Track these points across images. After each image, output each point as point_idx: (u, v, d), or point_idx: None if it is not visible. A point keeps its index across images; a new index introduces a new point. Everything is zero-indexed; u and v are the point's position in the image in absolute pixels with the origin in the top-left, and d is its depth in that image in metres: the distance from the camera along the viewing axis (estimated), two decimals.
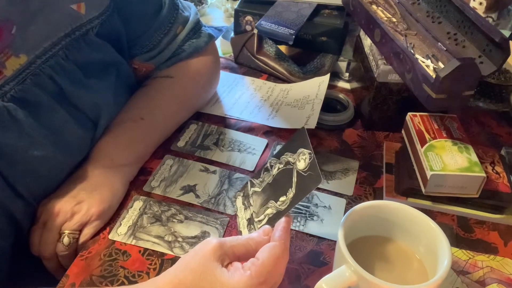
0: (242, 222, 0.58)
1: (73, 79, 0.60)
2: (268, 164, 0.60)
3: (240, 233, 0.57)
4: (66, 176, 0.62)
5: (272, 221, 0.53)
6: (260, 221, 0.55)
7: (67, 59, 0.59)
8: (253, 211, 0.57)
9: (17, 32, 0.53)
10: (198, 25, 0.78)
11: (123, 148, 0.66)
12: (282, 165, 0.56)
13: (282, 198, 0.53)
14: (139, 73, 0.74)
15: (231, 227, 0.62)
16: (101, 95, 0.64)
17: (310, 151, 0.53)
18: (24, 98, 0.55)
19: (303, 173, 0.52)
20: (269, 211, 0.54)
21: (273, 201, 0.54)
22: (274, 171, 0.57)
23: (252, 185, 0.60)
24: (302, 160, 0.53)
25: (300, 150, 0.54)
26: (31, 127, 0.56)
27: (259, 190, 0.58)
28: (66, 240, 0.58)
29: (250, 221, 0.56)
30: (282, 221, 0.50)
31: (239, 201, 0.62)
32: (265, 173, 0.59)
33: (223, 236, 0.61)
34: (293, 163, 0.54)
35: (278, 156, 0.58)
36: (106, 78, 0.65)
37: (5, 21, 0.52)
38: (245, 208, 0.59)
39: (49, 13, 0.56)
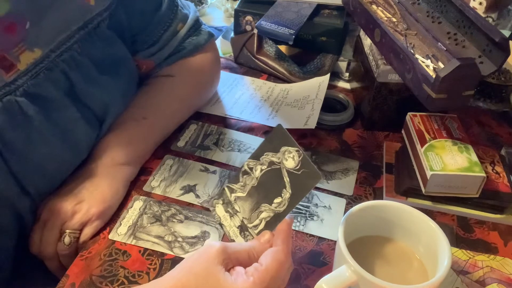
0: (232, 231, 0.55)
1: (86, 75, 0.60)
2: (245, 167, 0.56)
3: (232, 241, 0.55)
4: (70, 174, 0.63)
5: (270, 224, 0.51)
6: (255, 226, 0.53)
7: (81, 53, 0.59)
8: (243, 217, 0.54)
9: (31, 27, 0.53)
10: (198, 23, 0.78)
11: (125, 147, 0.66)
12: (265, 167, 0.54)
13: (277, 200, 0.52)
14: (140, 71, 0.75)
15: None
16: (111, 94, 0.64)
17: (297, 148, 0.51)
18: (36, 93, 0.55)
19: (295, 172, 0.51)
20: (264, 214, 0.52)
21: (267, 204, 0.52)
22: (257, 173, 0.55)
23: (232, 190, 0.57)
24: (289, 158, 0.51)
25: (284, 148, 0.52)
26: (41, 123, 0.56)
27: (244, 194, 0.55)
28: (67, 239, 0.58)
29: (243, 228, 0.54)
30: (282, 224, 0.49)
31: (219, 209, 0.58)
32: (244, 176, 0.56)
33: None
34: (279, 163, 0.52)
35: (256, 157, 0.55)
36: (117, 76, 0.66)
37: (18, 16, 0.52)
38: (231, 216, 0.56)
39: (60, 6, 0.56)
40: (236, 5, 0.95)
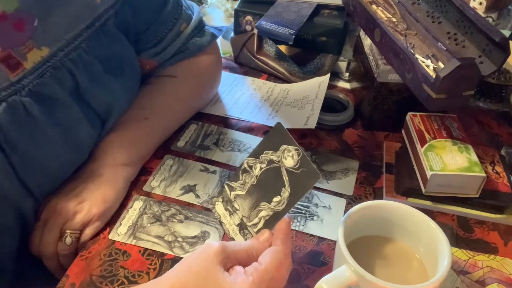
0: (231, 229, 0.55)
1: (92, 74, 0.60)
2: (245, 165, 0.56)
3: (232, 240, 0.55)
4: (71, 174, 0.63)
5: (269, 223, 0.51)
6: (255, 224, 0.53)
7: (88, 51, 0.59)
8: (243, 216, 0.54)
9: (39, 24, 0.53)
10: (201, 24, 0.78)
11: (126, 148, 0.66)
12: (264, 165, 0.54)
13: (276, 199, 0.51)
14: (142, 70, 0.75)
15: None
16: (115, 94, 0.64)
17: (296, 147, 0.51)
18: (41, 92, 0.55)
19: (294, 171, 0.51)
20: (263, 213, 0.52)
21: (266, 203, 0.52)
22: (256, 171, 0.54)
23: (232, 188, 0.57)
24: (289, 157, 0.51)
25: (284, 147, 0.52)
26: (44, 123, 0.55)
27: (243, 193, 0.55)
28: (68, 240, 0.58)
29: (242, 226, 0.54)
30: (281, 224, 0.49)
31: (219, 207, 0.58)
32: (244, 174, 0.56)
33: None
34: (278, 161, 0.52)
35: (256, 155, 0.55)
36: (122, 76, 0.66)
37: (26, 13, 0.52)
38: (231, 214, 0.56)
39: (65, 2, 0.56)
40: (236, 5, 0.95)
